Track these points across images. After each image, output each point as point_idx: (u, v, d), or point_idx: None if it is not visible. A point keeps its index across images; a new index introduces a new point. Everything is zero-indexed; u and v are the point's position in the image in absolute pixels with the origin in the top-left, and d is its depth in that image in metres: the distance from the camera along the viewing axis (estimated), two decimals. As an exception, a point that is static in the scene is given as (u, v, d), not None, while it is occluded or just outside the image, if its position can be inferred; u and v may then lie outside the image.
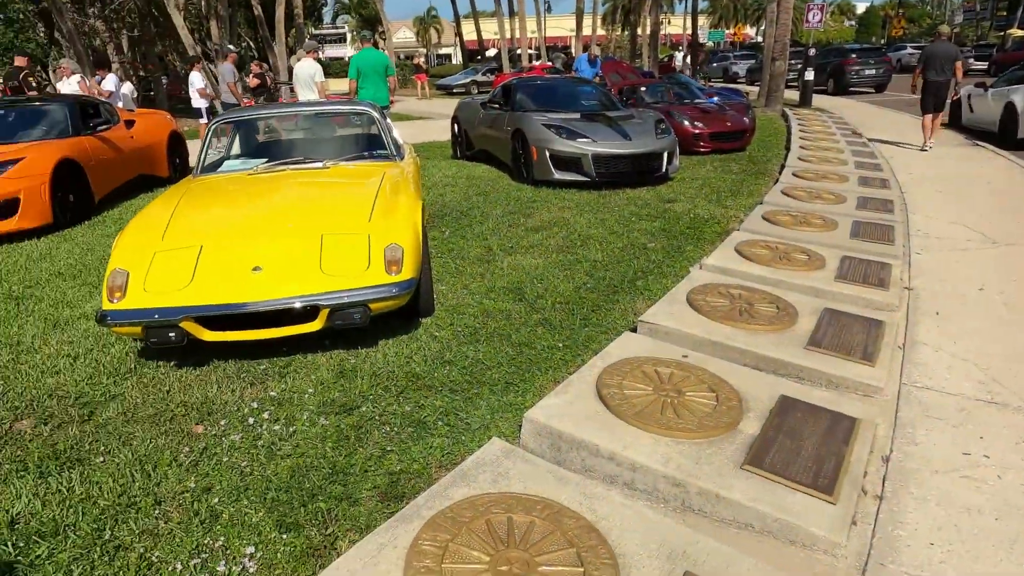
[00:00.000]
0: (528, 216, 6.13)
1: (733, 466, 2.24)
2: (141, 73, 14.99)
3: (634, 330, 3.49)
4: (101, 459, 2.54)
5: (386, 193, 3.77)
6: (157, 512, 2.23)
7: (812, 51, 15.96)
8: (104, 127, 7.18)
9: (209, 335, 3.05)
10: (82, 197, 6.49)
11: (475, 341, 3.47)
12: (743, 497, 2.09)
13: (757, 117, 10.90)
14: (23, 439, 2.70)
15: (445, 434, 2.64)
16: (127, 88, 11.71)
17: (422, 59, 26.73)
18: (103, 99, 8.92)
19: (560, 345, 3.42)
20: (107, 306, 3.01)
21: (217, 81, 13.15)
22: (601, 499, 2.07)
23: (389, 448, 2.55)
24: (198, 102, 11.47)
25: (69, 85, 10.95)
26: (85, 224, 6.34)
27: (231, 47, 14.47)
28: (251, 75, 13.44)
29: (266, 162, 4.46)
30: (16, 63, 11.23)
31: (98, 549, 2.06)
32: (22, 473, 2.46)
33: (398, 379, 3.08)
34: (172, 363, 3.29)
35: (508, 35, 31.67)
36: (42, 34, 20.31)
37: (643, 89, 10.77)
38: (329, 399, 2.92)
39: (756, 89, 18.88)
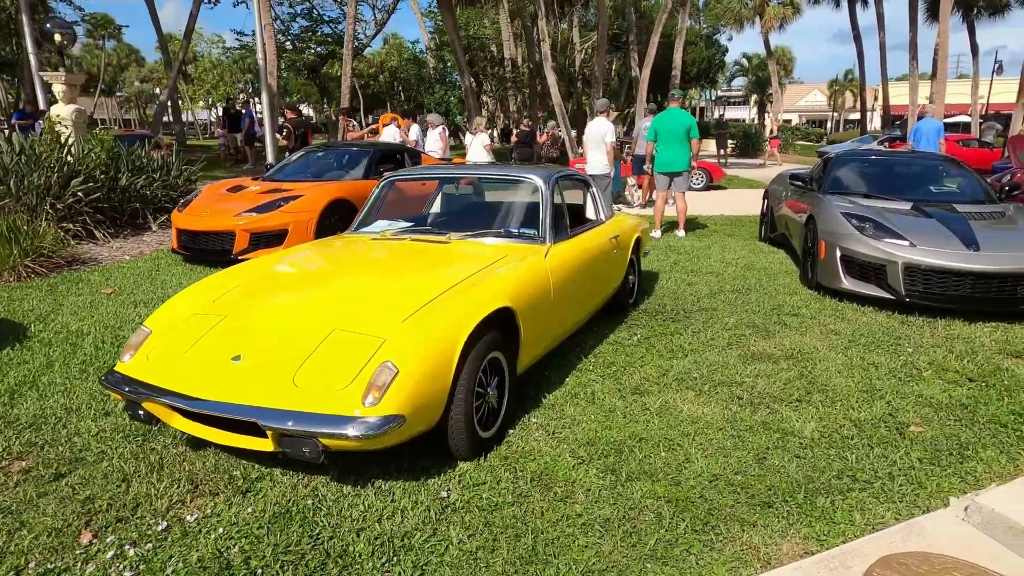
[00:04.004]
0: (767, 336, 4.46)
1: None
2: (522, 127, 16.68)
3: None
4: (-19, 539, 2.27)
5: (463, 287, 2.91)
6: (-103, 648, 1.82)
7: None
8: (392, 173, 7.78)
9: (177, 423, 2.63)
10: (351, 233, 7.06)
11: (476, 525, 2.35)
12: None
13: None
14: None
15: None
16: (427, 135, 12.74)
17: (776, 124, 24.29)
18: (416, 147, 9.98)
19: (576, 583, 2.08)
20: (118, 364, 2.82)
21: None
22: None
23: None
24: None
25: (432, 136, 12.61)
26: (345, 259, 6.86)
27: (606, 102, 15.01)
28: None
29: (410, 226, 4.01)
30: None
31: None
32: (-75, 527, 2.33)
33: (331, 554, 2.20)
34: (186, 436, 2.98)
35: (928, 99, 26.70)
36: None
37: (1065, 176, 7.46)
38: (224, 551, 2.20)
39: None
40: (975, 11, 29.61)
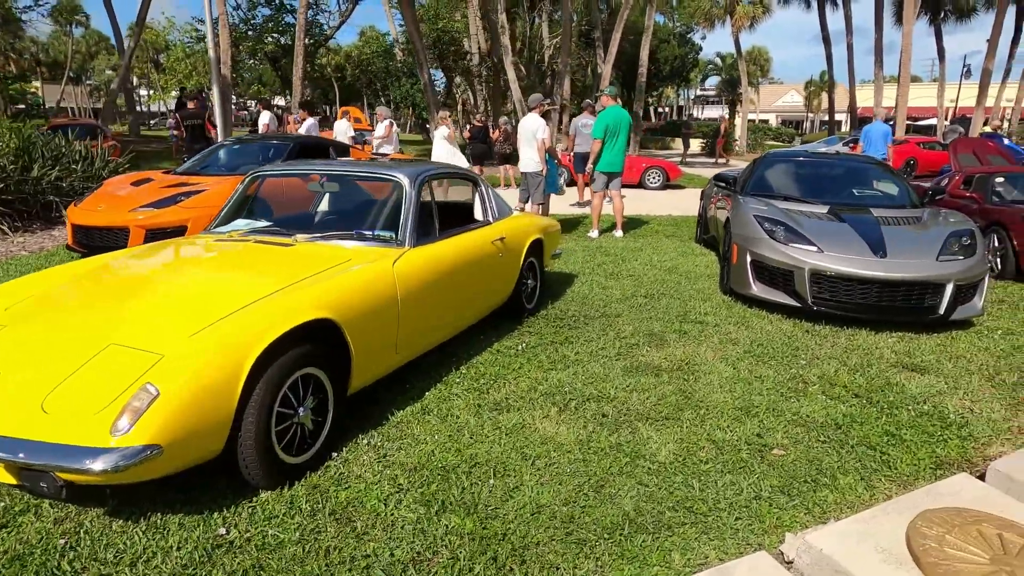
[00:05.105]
0: (660, 346, 4.24)
1: None
2: (475, 122, 16.37)
3: None
4: None
5: (278, 296, 2.63)
6: None
7: None
8: (312, 167, 7.47)
9: (-73, 450, 2.32)
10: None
11: (245, 568, 2.08)
12: None
13: None
14: None
15: None
16: (376, 128, 12.63)
17: (724, 124, 24.46)
18: (343, 141, 9.95)
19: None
20: None
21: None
22: None
23: None
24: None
25: (379, 129, 12.41)
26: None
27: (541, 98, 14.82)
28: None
29: (264, 226, 3.72)
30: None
31: None
32: None
33: (56, 604, 1.92)
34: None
35: (893, 102, 26.82)
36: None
37: (998, 180, 7.34)
38: (-68, 605, 1.91)
39: None
40: (942, 14, 29.81)
